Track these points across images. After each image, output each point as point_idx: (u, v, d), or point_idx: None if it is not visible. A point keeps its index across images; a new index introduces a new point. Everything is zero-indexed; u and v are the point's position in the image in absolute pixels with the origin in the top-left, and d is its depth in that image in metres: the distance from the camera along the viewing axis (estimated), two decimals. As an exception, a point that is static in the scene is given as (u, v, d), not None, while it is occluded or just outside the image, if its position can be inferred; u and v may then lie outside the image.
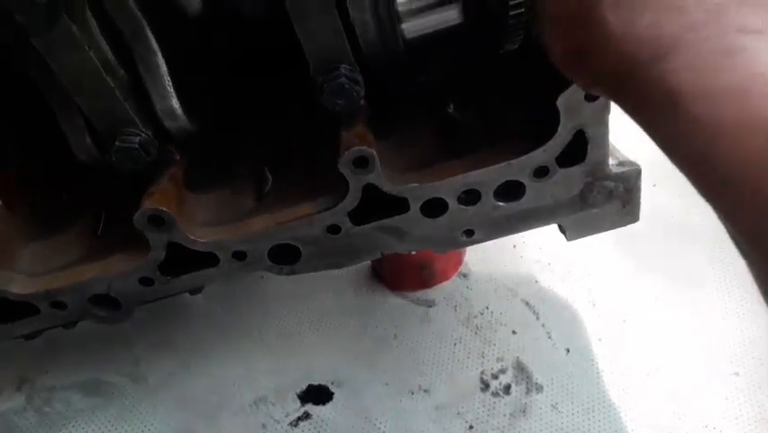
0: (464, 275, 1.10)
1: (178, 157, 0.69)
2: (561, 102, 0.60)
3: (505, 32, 0.59)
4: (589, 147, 0.65)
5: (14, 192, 0.74)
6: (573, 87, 0.59)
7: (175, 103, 0.62)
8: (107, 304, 0.73)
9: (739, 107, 0.34)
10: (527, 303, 1.06)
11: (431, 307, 1.06)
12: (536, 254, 1.12)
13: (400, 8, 0.63)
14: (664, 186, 1.04)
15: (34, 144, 0.75)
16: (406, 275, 1.07)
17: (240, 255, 0.70)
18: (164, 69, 0.60)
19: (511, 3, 0.53)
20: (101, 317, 0.73)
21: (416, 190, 0.67)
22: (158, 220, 0.64)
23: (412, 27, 0.64)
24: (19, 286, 0.70)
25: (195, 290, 0.77)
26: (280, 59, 0.69)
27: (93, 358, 1.04)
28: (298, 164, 0.75)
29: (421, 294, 1.07)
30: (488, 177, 0.67)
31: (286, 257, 0.71)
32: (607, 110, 0.62)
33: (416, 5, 0.63)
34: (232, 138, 0.76)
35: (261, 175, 0.75)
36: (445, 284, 1.08)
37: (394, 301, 1.07)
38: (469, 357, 1.00)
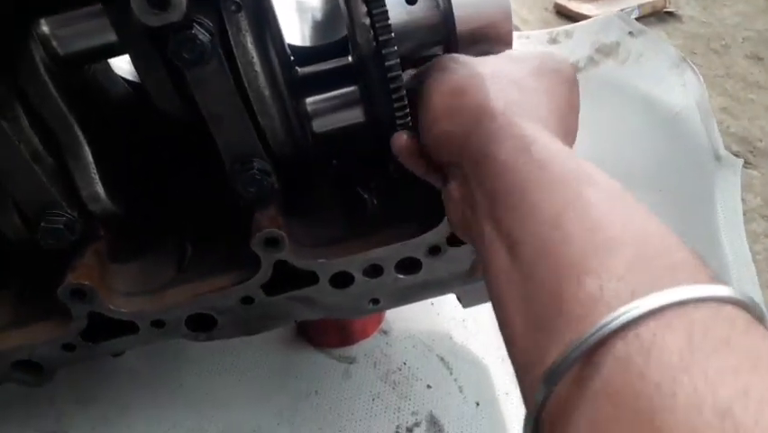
0: (385, 332, 1.18)
1: (102, 232, 0.75)
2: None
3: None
4: (473, 230, 0.74)
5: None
6: (456, 182, 0.68)
7: (99, 188, 0.68)
8: (30, 368, 0.77)
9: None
10: (442, 358, 1.13)
11: (352, 363, 1.12)
12: (452, 312, 1.20)
13: (309, 108, 0.72)
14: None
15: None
16: (328, 333, 1.13)
17: (158, 323, 0.75)
18: (89, 158, 0.67)
19: (398, 119, 0.62)
20: (23, 380, 0.77)
21: (325, 265, 0.75)
22: (80, 293, 0.69)
23: (320, 125, 0.73)
24: (-59, 354, 0.73)
25: (117, 353, 0.81)
26: (199, 146, 0.76)
27: (15, 414, 1.05)
28: (217, 238, 0.81)
29: (343, 351, 1.13)
30: (388, 254, 0.75)
31: (202, 325, 0.77)
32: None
33: (322, 107, 0.72)
34: (154, 213, 0.82)
35: (182, 247, 0.82)
36: (367, 341, 1.15)
37: (317, 358, 1.13)
38: (386, 412, 1.06)
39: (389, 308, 0.81)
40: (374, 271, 0.77)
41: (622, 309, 0.34)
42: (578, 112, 0.62)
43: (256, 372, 1.11)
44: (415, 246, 0.75)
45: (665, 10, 2.80)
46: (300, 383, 1.10)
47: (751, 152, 2.09)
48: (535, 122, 0.52)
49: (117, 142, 0.73)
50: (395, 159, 0.68)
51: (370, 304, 0.81)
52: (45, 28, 0.62)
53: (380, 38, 0.59)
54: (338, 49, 0.82)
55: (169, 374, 1.11)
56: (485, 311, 1.18)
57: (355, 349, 1.14)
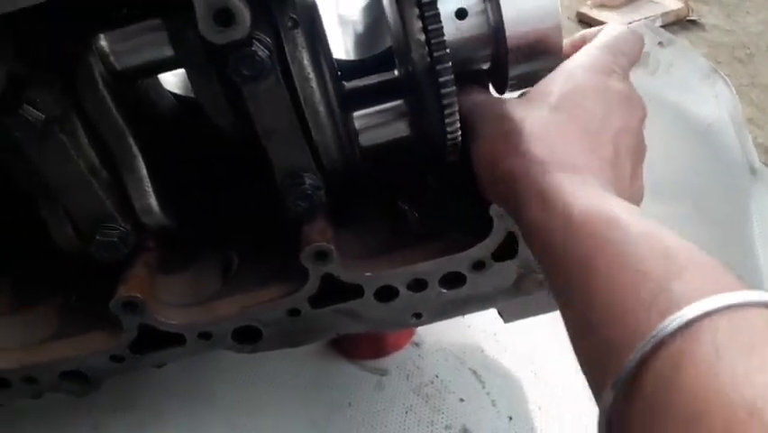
0: (417, 344, 1.17)
1: (151, 244, 0.76)
2: (493, 210, 0.70)
3: (444, 150, 0.68)
4: (519, 245, 0.74)
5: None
6: (505, 197, 0.68)
7: (153, 201, 0.68)
8: (77, 378, 0.77)
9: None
10: (474, 372, 1.13)
11: (384, 375, 1.12)
12: (483, 325, 1.20)
13: (356, 122, 0.72)
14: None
15: (12, 228, 0.80)
16: (361, 344, 1.13)
17: (206, 335, 0.76)
18: (143, 171, 0.68)
19: (449, 135, 0.63)
20: (70, 390, 0.78)
21: (370, 279, 0.75)
22: (131, 305, 0.70)
23: (367, 139, 0.73)
24: (-9, 362, 0.74)
25: (160, 364, 0.82)
26: (246, 159, 0.77)
27: (52, 423, 1.06)
28: (262, 250, 0.82)
29: (375, 363, 1.13)
30: (433, 268, 0.75)
31: (248, 337, 0.78)
32: (534, 215, 0.71)
33: (369, 121, 0.73)
34: (200, 225, 0.83)
35: (228, 258, 0.82)
36: (399, 353, 1.15)
37: (350, 369, 1.13)
38: (419, 425, 1.06)
39: (431, 322, 0.81)
40: (418, 285, 0.77)
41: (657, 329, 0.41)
42: (636, 145, 0.63)
43: (289, 382, 1.11)
44: (459, 261, 0.75)
45: (688, 18, 2.79)
46: (334, 395, 1.10)
47: (776, 163, 2.07)
48: (572, 173, 0.55)
49: (166, 155, 0.74)
50: (434, 171, 0.69)
51: (413, 318, 0.81)
52: (104, 42, 0.63)
53: (435, 54, 0.59)
54: (381, 62, 0.83)
55: (203, 383, 1.11)
56: (517, 324, 1.18)
57: (388, 361, 1.14)
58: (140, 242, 0.73)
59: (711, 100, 1.41)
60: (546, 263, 0.55)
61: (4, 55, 0.55)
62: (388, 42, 0.85)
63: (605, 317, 0.46)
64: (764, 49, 2.63)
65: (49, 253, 0.81)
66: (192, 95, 0.84)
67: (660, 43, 1.56)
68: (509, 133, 0.61)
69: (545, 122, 0.61)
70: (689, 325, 0.39)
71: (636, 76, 1.67)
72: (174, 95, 0.83)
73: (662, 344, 0.40)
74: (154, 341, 0.76)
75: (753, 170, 1.25)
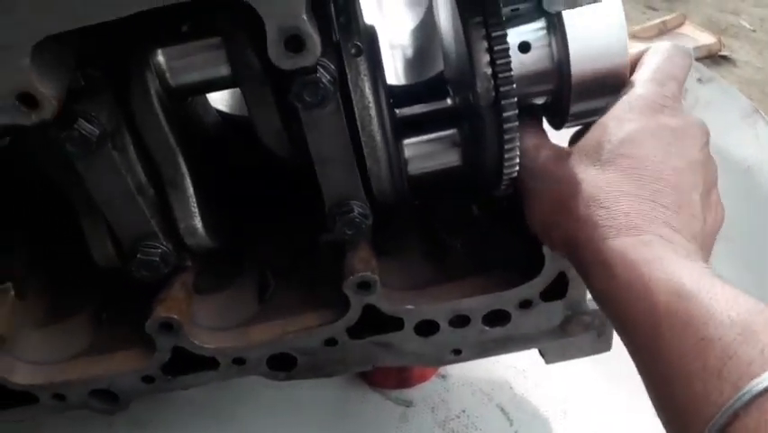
0: (443, 377, 1.14)
1: (189, 264, 0.74)
2: (547, 249, 0.67)
3: (499, 183, 0.66)
4: (569, 286, 0.71)
5: (24, 281, 0.77)
6: (559, 237, 0.66)
7: (198, 222, 0.67)
8: (106, 397, 0.75)
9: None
10: (502, 409, 1.10)
11: (409, 406, 1.09)
12: (511, 360, 1.16)
13: (406, 150, 0.70)
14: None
15: (47, 240, 0.79)
16: (387, 373, 1.10)
17: (240, 361, 0.74)
18: (191, 190, 0.66)
19: (506, 170, 0.61)
20: (99, 409, 0.75)
21: (412, 312, 0.73)
22: (168, 326, 0.68)
23: (416, 167, 0.71)
24: (21, 376, 0.72)
25: (189, 387, 0.80)
26: (289, 183, 0.76)
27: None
28: (300, 273, 0.80)
29: (400, 393, 1.11)
30: (478, 305, 0.73)
31: (283, 364, 0.75)
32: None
33: (420, 149, 0.71)
34: (239, 243, 0.81)
35: (264, 279, 0.80)
36: (424, 385, 1.12)
37: (374, 398, 1.10)
38: (443, 460, 1.03)
39: (470, 359, 0.79)
40: (461, 321, 0.74)
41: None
42: (704, 174, 0.60)
43: (312, 409, 1.09)
44: (507, 299, 0.72)
45: (720, 54, 2.77)
46: (356, 424, 1.07)
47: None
48: (634, 235, 0.54)
49: (211, 174, 0.72)
50: (481, 203, 0.67)
51: (452, 354, 0.78)
52: (161, 58, 0.62)
53: (501, 89, 0.58)
54: (432, 88, 0.81)
55: (224, 405, 1.09)
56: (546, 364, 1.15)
57: (413, 392, 1.11)
58: (178, 261, 0.72)
59: (751, 141, 1.38)
60: (614, 324, 0.56)
61: (65, 69, 0.53)
62: (438, 68, 0.84)
63: (677, 385, 0.47)
64: (796, 88, 2.60)
65: (84, 267, 0.80)
66: (238, 113, 0.83)
67: (699, 80, 1.54)
68: (564, 196, 0.60)
69: (600, 181, 0.59)
70: (762, 394, 0.40)
71: (675, 112, 1.63)
72: (219, 112, 0.81)
73: (736, 416, 0.41)
74: (186, 363, 0.74)
75: (793, 215, 1.21)
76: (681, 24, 2.74)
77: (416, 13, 1.00)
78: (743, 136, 1.41)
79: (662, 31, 2.69)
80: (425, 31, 0.97)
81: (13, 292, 0.76)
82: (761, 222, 1.28)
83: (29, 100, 0.50)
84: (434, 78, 0.82)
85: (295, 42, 0.49)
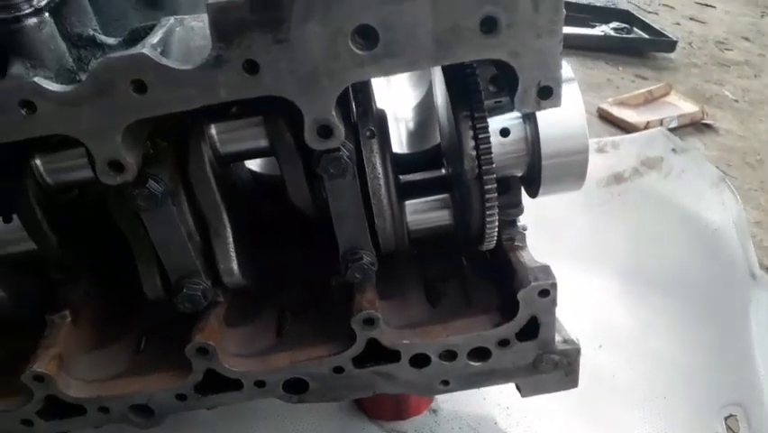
0: (434, 411, 1.26)
1: (221, 299, 0.88)
2: (521, 295, 0.81)
3: (482, 240, 0.81)
4: (540, 329, 0.85)
5: (81, 311, 0.91)
6: (531, 286, 0.81)
7: (235, 265, 0.81)
8: (143, 412, 0.88)
9: None
10: (487, 442, 1.21)
11: (403, 437, 1.21)
12: (497, 398, 1.29)
13: (407, 210, 0.86)
14: (608, 348, 1.26)
15: (99, 275, 0.93)
16: (383, 406, 1.22)
17: (260, 384, 0.87)
18: (231, 238, 0.81)
19: (488, 229, 0.75)
20: (136, 422, 0.88)
21: (408, 346, 0.86)
22: (204, 351, 0.82)
23: (415, 224, 0.86)
24: (74, 390, 0.85)
25: (215, 406, 0.92)
26: (306, 232, 0.90)
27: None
28: (312, 310, 0.94)
29: (395, 424, 1.22)
30: (463, 341, 0.86)
31: (296, 388, 0.88)
32: (554, 304, 0.83)
33: (419, 209, 0.86)
34: (261, 284, 0.95)
35: (283, 316, 0.94)
36: (418, 418, 1.24)
37: (371, 429, 1.22)
38: (432, 488, 1.13)
39: (457, 390, 0.92)
40: (449, 355, 0.88)
41: None
42: None
43: (313, 436, 1.20)
44: (487, 337, 0.86)
45: (703, 122, 2.95)
46: (354, 451, 1.18)
47: (784, 268, 2.16)
48: None
49: (244, 224, 0.87)
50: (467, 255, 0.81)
51: (441, 384, 0.91)
52: (213, 131, 0.78)
53: (483, 167, 0.73)
54: (430, 157, 0.97)
55: (236, 430, 1.20)
56: (529, 401, 1.27)
57: (407, 424, 1.23)
58: (214, 297, 0.86)
59: (718, 207, 1.53)
60: None
61: (142, 142, 0.69)
62: (434, 140, 1.00)
63: None
64: (775, 156, 2.76)
65: (127, 300, 0.94)
66: (264, 171, 0.99)
67: (673, 150, 1.71)
68: None
69: None
70: None
71: (651, 178, 1.81)
72: (251, 171, 0.97)
73: None
74: (215, 386, 0.87)
75: (753, 276, 1.36)
76: (666, 94, 2.94)
77: (418, 93, 1.18)
78: (711, 202, 1.56)
79: (649, 99, 2.88)
80: (425, 109, 1.14)
81: (69, 319, 0.90)
82: (724, 281, 1.42)
83: (117, 167, 0.65)
84: (431, 150, 0.99)
85: (325, 131, 0.64)
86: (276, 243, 0.99)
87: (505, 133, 0.81)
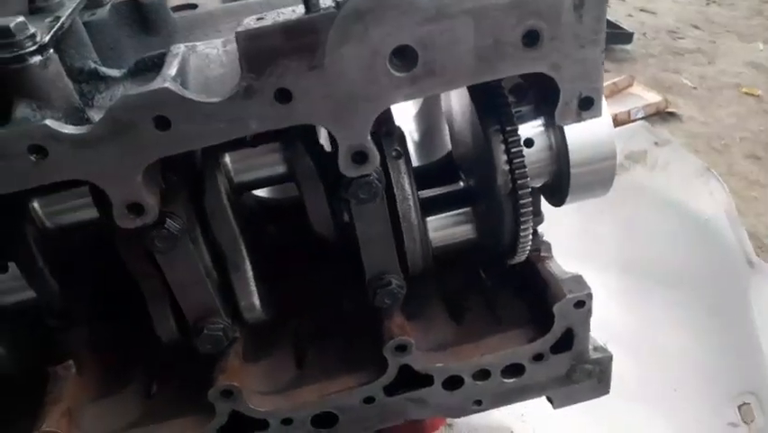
0: (449, 425, 1.24)
1: (238, 335, 0.83)
2: (556, 309, 0.79)
3: (513, 255, 0.79)
4: (575, 340, 0.83)
5: (86, 359, 0.85)
6: (567, 299, 0.79)
7: (256, 299, 0.76)
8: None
9: None
10: (505, 453, 1.19)
11: (422, 454, 1.18)
12: (511, 406, 1.27)
13: (430, 227, 0.83)
14: (613, 345, 1.25)
15: (106, 319, 0.87)
16: (401, 425, 1.19)
17: (287, 421, 0.82)
18: (250, 272, 0.76)
19: (521, 245, 0.73)
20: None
21: (441, 370, 0.83)
22: (228, 393, 0.76)
23: (438, 240, 0.83)
24: (85, 448, 0.79)
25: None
26: (319, 257, 0.86)
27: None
28: (331, 339, 0.89)
29: (413, 442, 1.19)
30: (497, 360, 0.84)
31: (325, 422, 0.84)
32: (590, 314, 0.81)
33: (441, 225, 0.83)
34: (279, 314, 0.90)
35: (299, 345, 0.89)
36: (434, 434, 1.21)
37: (389, 448, 1.18)
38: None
39: (489, 408, 0.89)
40: (483, 375, 0.85)
41: None
42: None
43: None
44: (522, 353, 0.84)
45: (667, 110, 3.01)
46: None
47: (760, 247, 2.21)
48: None
49: (259, 253, 0.82)
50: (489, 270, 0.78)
51: (474, 405, 0.88)
52: (227, 159, 0.73)
53: (518, 182, 0.71)
54: (442, 168, 0.94)
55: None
56: (543, 407, 1.26)
57: (424, 441, 1.20)
58: (233, 333, 0.81)
59: (707, 197, 1.56)
60: None
61: (159, 178, 0.64)
62: (444, 149, 0.97)
63: None
64: (738, 140, 2.85)
65: (131, 343, 0.88)
66: (269, 196, 0.94)
67: (656, 143, 1.74)
68: None
69: None
70: None
71: (636, 172, 1.82)
72: (255, 197, 0.92)
73: None
74: (237, 427, 0.82)
75: (750, 263, 1.38)
76: (630, 85, 3.00)
77: (415, 102, 1.15)
78: (698, 193, 1.59)
79: (614, 91, 2.93)
80: (427, 117, 1.11)
81: (74, 369, 0.83)
82: (720, 268, 1.44)
83: (137, 209, 0.60)
84: (442, 160, 0.96)
85: (361, 157, 0.61)
86: (281, 268, 0.94)
87: (529, 143, 0.79)
